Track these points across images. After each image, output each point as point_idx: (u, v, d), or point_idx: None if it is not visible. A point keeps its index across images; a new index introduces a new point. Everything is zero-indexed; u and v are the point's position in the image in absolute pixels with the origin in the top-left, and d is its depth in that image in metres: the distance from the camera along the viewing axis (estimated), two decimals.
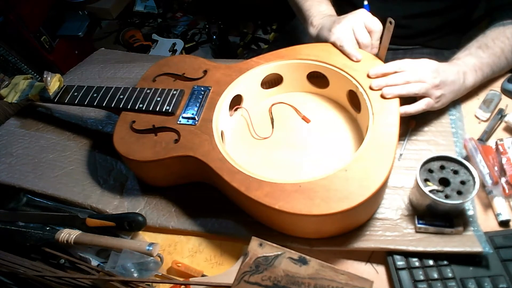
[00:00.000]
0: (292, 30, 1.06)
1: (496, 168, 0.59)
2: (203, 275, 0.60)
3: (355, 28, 0.67)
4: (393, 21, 0.61)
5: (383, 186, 0.51)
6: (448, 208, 0.55)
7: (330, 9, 0.79)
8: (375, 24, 0.66)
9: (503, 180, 0.58)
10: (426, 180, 0.56)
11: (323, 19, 0.75)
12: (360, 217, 0.57)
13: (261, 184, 0.53)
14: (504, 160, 0.59)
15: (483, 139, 0.65)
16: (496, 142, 0.62)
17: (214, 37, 1.90)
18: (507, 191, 0.57)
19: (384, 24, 0.63)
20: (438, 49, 0.89)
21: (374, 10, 0.70)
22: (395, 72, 0.62)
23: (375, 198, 0.53)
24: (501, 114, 0.67)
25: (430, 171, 0.56)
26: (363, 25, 0.67)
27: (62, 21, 1.96)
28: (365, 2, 0.73)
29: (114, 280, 0.55)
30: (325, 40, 0.70)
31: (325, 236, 0.58)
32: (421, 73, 0.61)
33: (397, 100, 0.59)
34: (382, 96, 0.60)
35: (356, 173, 0.51)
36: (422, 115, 0.66)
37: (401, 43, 0.89)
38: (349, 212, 0.49)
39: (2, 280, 0.63)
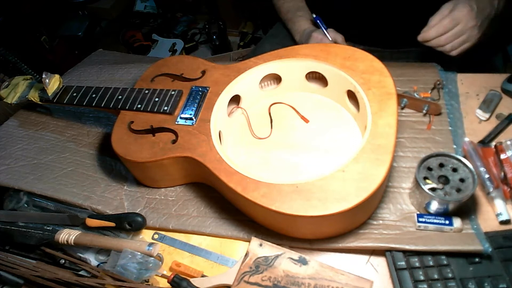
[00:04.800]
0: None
1: (495, 172, 0.59)
2: (203, 276, 0.60)
3: None
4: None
5: (381, 187, 0.51)
6: (447, 206, 0.54)
7: (303, 24, 0.92)
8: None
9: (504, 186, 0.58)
10: (425, 178, 0.56)
11: (301, 37, 0.92)
12: (358, 218, 0.57)
13: (258, 185, 0.53)
14: (504, 162, 0.59)
15: (486, 141, 0.64)
16: (496, 145, 0.61)
17: (214, 37, 1.89)
18: (509, 194, 0.57)
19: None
20: None
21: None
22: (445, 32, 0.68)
23: (373, 199, 0.53)
24: (510, 119, 0.66)
25: (429, 169, 0.56)
26: None
27: (62, 21, 1.97)
28: (314, 15, 0.85)
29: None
30: None
31: (323, 237, 0.58)
32: (464, 26, 0.67)
33: (395, 101, 0.59)
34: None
35: (354, 174, 0.51)
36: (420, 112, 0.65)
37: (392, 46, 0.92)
38: (346, 213, 0.49)
39: (12, 280, 0.64)
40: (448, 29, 0.68)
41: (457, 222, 0.55)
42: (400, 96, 0.70)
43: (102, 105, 0.71)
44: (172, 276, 0.57)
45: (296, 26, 0.93)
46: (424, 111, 0.69)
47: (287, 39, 1.00)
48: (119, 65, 0.99)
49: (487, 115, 0.67)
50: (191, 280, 0.57)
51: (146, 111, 0.67)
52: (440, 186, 0.55)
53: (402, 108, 0.72)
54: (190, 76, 0.72)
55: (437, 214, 0.56)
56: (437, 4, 0.72)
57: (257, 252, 0.58)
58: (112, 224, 0.64)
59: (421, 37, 0.71)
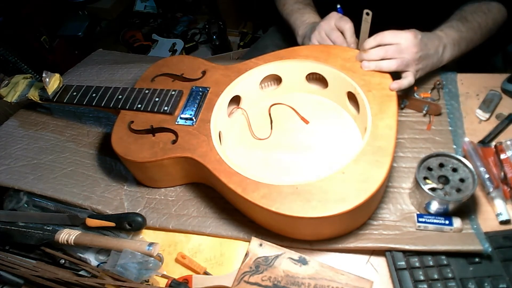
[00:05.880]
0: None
1: (495, 172, 0.59)
2: (205, 272, 0.60)
3: (327, 32, 0.71)
4: (370, 12, 0.62)
5: (381, 188, 0.51)
6: (447, 206, 0.54)
7: (313, 17, 0.83)
8: (345, 23, 0.69)
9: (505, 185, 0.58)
10: (425, 178, 0.56)
11: (306, 29, 0.80)
12: (358, 219, 0.57)
13: (258, 186, 0.53)
14: (504, 162, 0.59)
15: (486, 141, 0.64)
16: (496, 145, 0.61)
17: (214, 37, 1.90)
18: (509, 194, 0.57)
19: (361, 18, 0.64)
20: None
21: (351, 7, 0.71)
22: (378, 46, 0.62)
23: (373, 200, 0.53)
24: (510, 119, 0.66)
25: (429, 169, 0.56)
26: (334, 27, 0.70)
27: (62, 21, 1.97)
28: (338, 6, 0.78)
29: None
30: None
31: (323, 238, 0.58)
32: (403, 48, 0.61)
33: (395, 103, 0.59)
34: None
35: (354, 175, 0.51)
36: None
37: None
38: (346, 215, 0.49)
39: (12, 280, 0.64)
40: (387, 41, 0.62)
41: (457, 222, 0.55)
42: (400, 97, 0.70)
43: (102, 104, 0.71)
44: (169, 282, 0.57)
45: (304, 18, 0.84)
46: (424, 112, 0.69)
47: (288, 35, 0.99)
48: (119, 65, 0.99)
49: (487, 115, 0.67)
50: (193, 276, 0.58)
51: (146, 111, 0.67)
52: (440, 186, 0.55)
53: (402, 109, 0.72)
54: (191, 76, 0.72)
55: (437, 214, 0.56)
56: (437, 4, 0.71)
57: (257, 252, 0.58)
58: (112, 224, 0.64)
59: (362, 46, 0.65)
